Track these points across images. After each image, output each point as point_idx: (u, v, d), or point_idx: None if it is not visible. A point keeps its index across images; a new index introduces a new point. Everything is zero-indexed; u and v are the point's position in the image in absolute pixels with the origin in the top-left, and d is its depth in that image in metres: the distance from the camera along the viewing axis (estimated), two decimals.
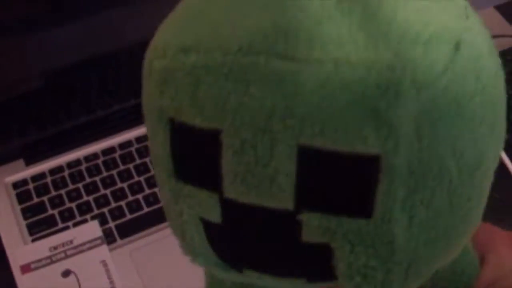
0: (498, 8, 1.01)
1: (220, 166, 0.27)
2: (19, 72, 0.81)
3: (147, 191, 0.76)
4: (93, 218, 0.75)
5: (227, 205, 0.28)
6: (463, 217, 0.29)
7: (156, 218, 0.74)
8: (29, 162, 0.79)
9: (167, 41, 0.28)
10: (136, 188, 0.77)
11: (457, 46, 0.25)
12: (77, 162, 0.79)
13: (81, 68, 0.82)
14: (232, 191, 0.28)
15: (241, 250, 0.30)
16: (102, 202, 0.76)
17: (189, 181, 0.29)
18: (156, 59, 0.28)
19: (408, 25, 0.25)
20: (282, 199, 0.27)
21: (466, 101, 0.26)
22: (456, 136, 0.26)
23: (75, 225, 0.74)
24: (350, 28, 0.25)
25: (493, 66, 0.28)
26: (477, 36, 0.27)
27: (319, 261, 0.29)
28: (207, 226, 0.30)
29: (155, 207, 0.75)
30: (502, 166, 0.83)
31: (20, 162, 0.79)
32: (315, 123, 0.25)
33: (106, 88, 0.84)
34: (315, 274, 0.30)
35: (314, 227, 0.27)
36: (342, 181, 0.26)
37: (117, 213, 0.75)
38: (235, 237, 0.30)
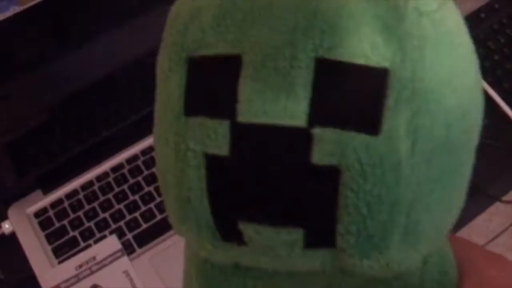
0: None
1: (238, 87, 0.30)
2: (26, 108, 0.86)
3: (158, 199, 0.80)
4: (111, 232, 0.79)
5: (238, 131, 0.30)
6: (457, 165, 0.31)
7: (170, 224, 0.77)
8: (46, 191, 0.83)
9: None
10: (147, 198, 0.81)
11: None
12: (90, 183, 0.83)
13: (81, 94, 0.87)
14: (246, 112, 0.30)
15: (242, 191, 0.31)
16: (117, 216, 0.80)
17: (201, 112, 0.31)
18: (185, 3, 0.33)
19: None
20: (297, 114, 0.29)
21: (457, 37, 0.30)
22: (451, 66, 0.30)
23: (95, 242, 0.78)
24: None
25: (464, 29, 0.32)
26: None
27: (325, 197, 0.30)
28: (211, 164, 0.31)
29: None
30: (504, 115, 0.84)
31: (38, 193, 0.83)
32: (334, 35, 0.29)
33: (108, 109, 0.88)
34: (315, 222, 0.30)
35: (325, 142, 0.29)
36: (353, 94, 0.29)
37: (133, 225, 0.79)
38: (239, 171, 0.30)
